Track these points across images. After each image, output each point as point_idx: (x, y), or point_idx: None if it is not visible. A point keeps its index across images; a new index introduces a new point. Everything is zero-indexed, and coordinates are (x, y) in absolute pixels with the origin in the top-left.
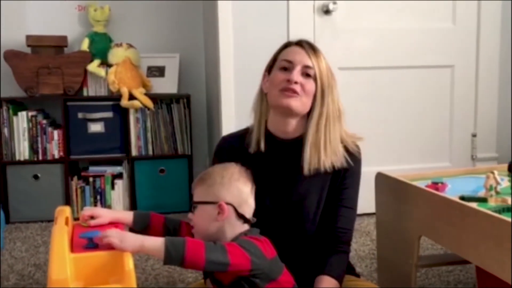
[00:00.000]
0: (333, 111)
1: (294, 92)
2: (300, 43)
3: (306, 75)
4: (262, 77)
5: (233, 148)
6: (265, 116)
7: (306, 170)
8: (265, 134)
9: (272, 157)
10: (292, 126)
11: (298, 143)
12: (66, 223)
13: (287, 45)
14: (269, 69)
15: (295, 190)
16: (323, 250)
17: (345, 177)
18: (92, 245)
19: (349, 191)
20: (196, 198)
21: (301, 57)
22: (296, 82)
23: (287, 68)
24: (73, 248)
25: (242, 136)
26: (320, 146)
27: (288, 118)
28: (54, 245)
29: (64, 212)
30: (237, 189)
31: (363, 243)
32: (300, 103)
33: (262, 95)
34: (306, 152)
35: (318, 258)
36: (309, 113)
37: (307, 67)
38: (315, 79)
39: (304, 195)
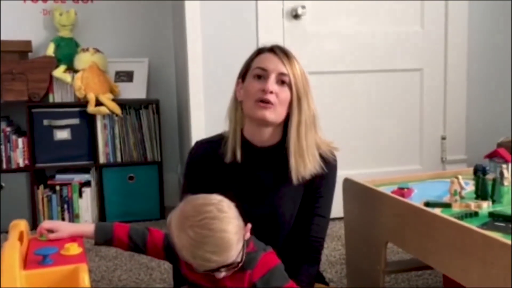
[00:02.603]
0: (309, 117)
1: (269, 102)
2: (273, 50)
3: (281, 82)
4: (236, 84)
5: (208, 156)
6: (241, 125)
7: (295, 180)
8: (242, 141)
9: (249, 165)
10: (268, 135)
11: (275, 150)
12: (21, 238)
13: (260, 51)
14: (243, 76)
15: (273, 198)
16: (294, 258)
17: (320, 185)
18: (49, 262)
19: (323, 200)
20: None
21: (275, 65)
22: (271, 92)
23: (261, 76)
24: (26, 264)
25: (217, 143)
26: (304, 154)
27: (263, 127)
28: (3, 262)
29: (18, 226)
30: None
31: (334, 248)
32: (275, 114)
33: (237, 103)
34: (291, 162)
35: (290, 266)
36: (286, 120)
37: (282, 74)
38: (290, 86)
39: (281, 203)
